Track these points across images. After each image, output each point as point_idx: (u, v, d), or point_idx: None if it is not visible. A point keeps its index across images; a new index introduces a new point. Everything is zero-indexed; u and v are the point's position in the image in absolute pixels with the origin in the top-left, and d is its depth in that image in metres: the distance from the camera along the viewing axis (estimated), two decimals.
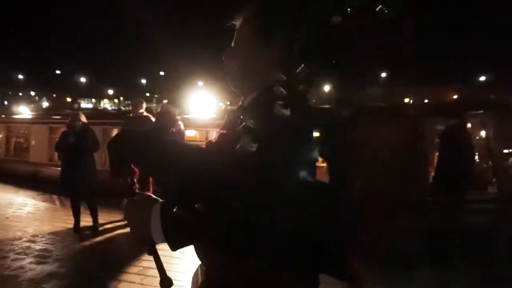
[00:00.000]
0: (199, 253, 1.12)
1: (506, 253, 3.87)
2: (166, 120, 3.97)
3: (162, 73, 66.47)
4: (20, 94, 67.86)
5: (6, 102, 60.50)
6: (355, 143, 4.33)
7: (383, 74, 59.98)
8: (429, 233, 3.83)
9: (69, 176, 4.68)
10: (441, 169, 3.87)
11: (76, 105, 64.04)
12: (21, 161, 8.30)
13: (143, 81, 69.59)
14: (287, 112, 0.85)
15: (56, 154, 7.76)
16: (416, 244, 3.74)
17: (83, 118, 4.77)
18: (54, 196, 6.43)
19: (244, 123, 0.90)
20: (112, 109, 63.83)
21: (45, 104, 62.22)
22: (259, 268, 0.96)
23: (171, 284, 1.09)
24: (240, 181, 0.81)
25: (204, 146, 1.18)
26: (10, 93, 69.04)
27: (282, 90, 0.91)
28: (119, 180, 4.52)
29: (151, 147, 1.09)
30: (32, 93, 66.50)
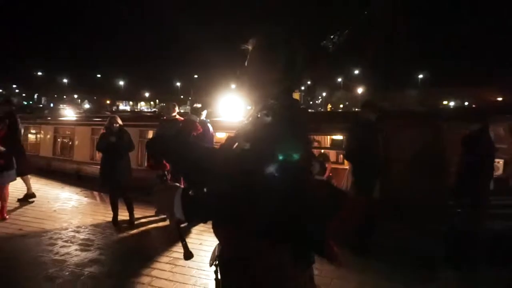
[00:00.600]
0: (215, 232, 1.40)
1: None
2: (187, 126, 4.51)
3: (196, 76, 68.32)
4: (64, 96, 72.08)
5: (52, 104, 64.43)
6: (379, 145, 4.45)
7: (420, 76, 58.09)
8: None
9: (107, 174, 5.14)
10: (462, 172, 3.91)
11: (115, 107, 67.10)
12: (66, 160, 9.02)
13: (178, 83, 71.77)
14: (268, 119, 1.11)
15: (97, 154, 8.41)
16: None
17: (119, 121, 5.21)
18: (95, 192, 7.01)
19: (243, 128, 1.16)
20: (148, 111, 66.34)
21: (87, 106, 65.75)
22: (257, 245, 1.21)
23: (192, 256, 1.39)
24: (235, 172, 1.07)
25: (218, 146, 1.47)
26: (55, 96, 73.56)
27: (272, 101, 1.16)
28: (155, 171, 4.97)
29: (176, 148, 1.40)
30: (75, 96, 70.30)
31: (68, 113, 11.23)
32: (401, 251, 4.11)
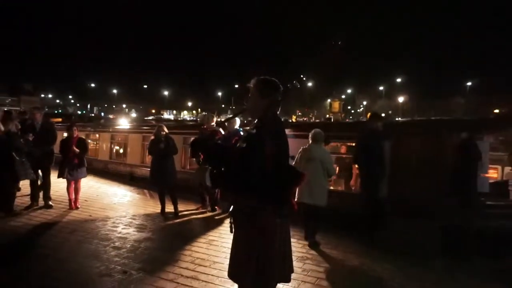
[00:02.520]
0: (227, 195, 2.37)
1: None
2: (213, 133, 5.70)
3: (236, 86, 70.57)
4: (114, 106, 77.13)
5: (103, 113, 69.17)
6: (385, 151, 5.21)
7: (469, 83, 55.73)
8: None
9: (156, 174, 6.29)
10: (453, 175, 4.57)
11: (159, 116, 70.75)
12: (121, 163, 10.47)
13: (219, 93, 74.45)
14: (253, 131, 2.06)
15: (147, 158, 9.75)
16: None
17: (166, 129, 6.35)
18: (145, 190, 8.28)
19: (244, 135, 2.13)
20: (190, 120, 69.49)
21: (134, 115, 69.96)
22: (248, 199, 2.16)
23: (216, 209, 2.39)
24: (237, 158, 2.04)
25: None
26: (106, 105, 78.97)
27: (259, 120, 2.12)
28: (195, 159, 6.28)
29: (206, 145, 2.41)
30: (124, 106, 75.06)
31: (122, 122, 12.88)
32: (400, 242, 4.81)
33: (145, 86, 76.74)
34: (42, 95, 70.10)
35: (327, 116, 46.61)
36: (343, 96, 63.93)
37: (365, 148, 5.21)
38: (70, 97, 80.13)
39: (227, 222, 5.70)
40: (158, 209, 6.43)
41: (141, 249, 4.55)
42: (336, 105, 45.51)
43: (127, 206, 6.90)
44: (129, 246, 4.65)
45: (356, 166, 5.58)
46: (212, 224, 5.68)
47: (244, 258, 2.21)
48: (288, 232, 2.38)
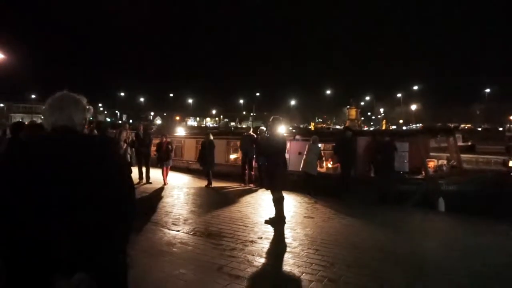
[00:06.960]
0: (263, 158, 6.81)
1: (419, 199, 8.52)
2: (252, 136, 10.00)
3: (258, 94, 75.25)
4: (140, 114, 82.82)
5: (131, 121, 74.87)
6: (352, 148, 9.46)
7: (487, 90, 58.23)
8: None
9: (203, 163, 10.74)
10: (382, 161, 8.76)
11: (184, 123, 76.05)
12: (180, 160, 15.01)
13: (241, 101, 79.31)
14: (267, 136, 6.45)
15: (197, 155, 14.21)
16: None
17: (211, 136, 10.81)
18: (200, 177, 12.74)
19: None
20: (213, 126, 74.44)
21: (158, 122, 75.51)
22: (274, 160, 6.54)
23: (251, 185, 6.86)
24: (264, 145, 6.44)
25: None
26: (132, 113, 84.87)
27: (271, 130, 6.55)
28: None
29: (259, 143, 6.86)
30: (151, 113, 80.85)
31: (179, 130, 17.67)
32: (356, 197, 8.98)
33: (171, 95, 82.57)
34: None
35: (325, 126, 52.14)
36: (362, 103, 67.47)
37: (340, 146, 9.49)
38: (100, 105, 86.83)
39: (258, 191, 10.07)
40: (203, 184, 10.85)
41: (210, 201, 8.95)
42: (353, 112, 48.96)
43: (195, 183, 11.41)
44: (206, 198, 9.07)
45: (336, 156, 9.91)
46: (250, 192, 10.04)
47: (272, 180, 6.55)
48: (287, 172, 6.68)
